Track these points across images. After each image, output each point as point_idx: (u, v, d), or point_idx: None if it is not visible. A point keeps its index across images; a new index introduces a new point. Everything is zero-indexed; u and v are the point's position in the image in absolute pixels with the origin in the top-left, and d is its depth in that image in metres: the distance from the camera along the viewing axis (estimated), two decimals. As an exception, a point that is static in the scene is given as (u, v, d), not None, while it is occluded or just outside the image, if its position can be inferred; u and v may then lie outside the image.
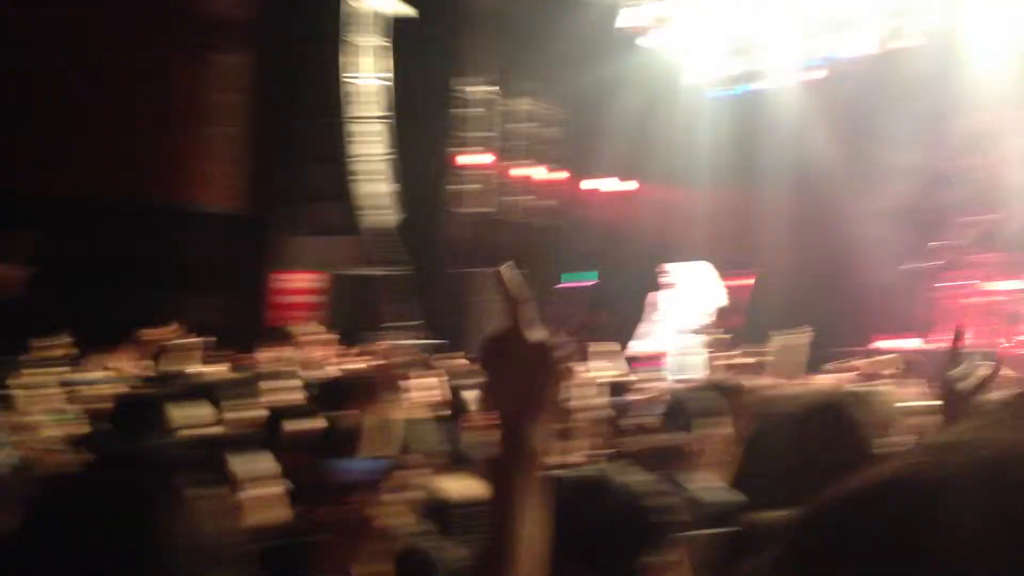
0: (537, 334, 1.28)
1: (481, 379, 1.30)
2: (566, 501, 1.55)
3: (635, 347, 9.22)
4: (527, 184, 13.10)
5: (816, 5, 11.27)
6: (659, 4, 11.92)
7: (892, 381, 4.60)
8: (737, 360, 5.72)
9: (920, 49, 11.04)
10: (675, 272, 9.31)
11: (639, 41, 12.41)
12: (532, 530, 1.22)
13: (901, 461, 0.64)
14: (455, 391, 4.57)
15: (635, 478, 1.85)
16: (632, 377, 6.04)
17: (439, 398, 5.01)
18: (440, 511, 2.59)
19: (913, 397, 4.02)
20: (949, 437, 0.66)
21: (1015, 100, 10.55)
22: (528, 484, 1.22)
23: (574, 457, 3.05)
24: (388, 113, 11.11)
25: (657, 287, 9.49)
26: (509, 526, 1.21)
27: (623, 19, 12.03)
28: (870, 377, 4.66)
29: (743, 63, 12.32)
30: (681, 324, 9.07)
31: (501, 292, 1.30)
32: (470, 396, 4.39)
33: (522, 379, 1.25)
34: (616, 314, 11.45)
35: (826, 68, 11.80)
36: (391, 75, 11.12)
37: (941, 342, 9.37)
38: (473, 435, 3.90)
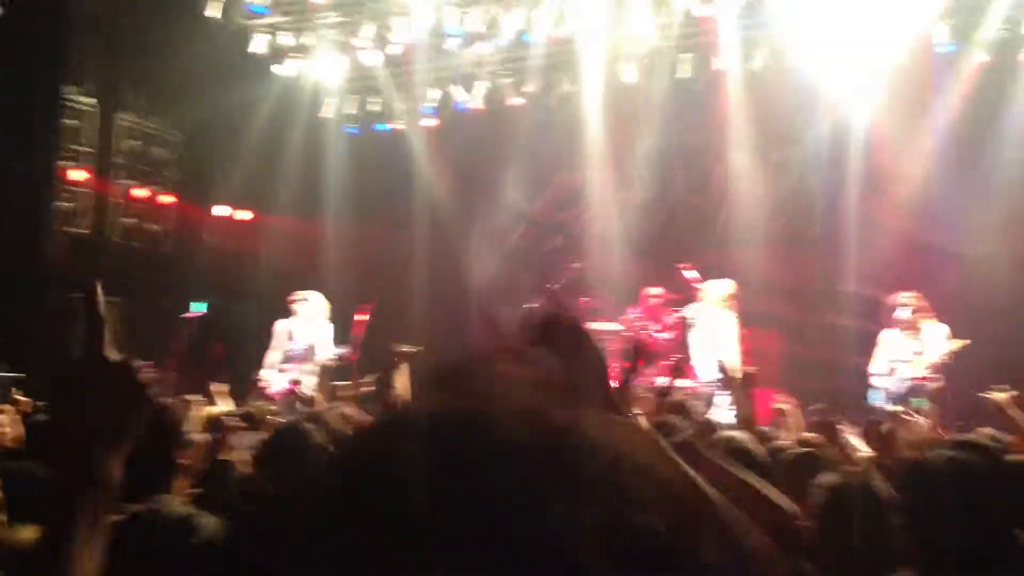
0: (117, 357, 1.16)
1: (53, 407, 1.15)
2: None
3: (264, 378, 8.84)
4: (135, 206, 12.12)
5: (435, 57, 11.78)
6: (296, 35, 11.72)
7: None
8: (347, 391, 5.70)
9: (524, 108, 11.99)
10: (302, 301, 9.11)
11: (275, 68, 12.08)
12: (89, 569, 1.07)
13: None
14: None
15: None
16: (238, 410, 5.77)
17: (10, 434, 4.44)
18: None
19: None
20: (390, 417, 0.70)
21: (606, 159, 11.85)
22: (96, 521, 1.08)
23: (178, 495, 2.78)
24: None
25: (285, 316, 9.21)
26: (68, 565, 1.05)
27: (256, 44, 11.63)
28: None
29: (377, 102, 12.52)
30: (306, 354, 8.91)
31: (90, 313, 1.18)
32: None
33: (100, 406, 1.12)
34: (234, 345, 10.95)
35: (440, 117, 12.35)
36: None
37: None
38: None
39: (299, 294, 9.15)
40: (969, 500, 2.09)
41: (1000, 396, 4.60)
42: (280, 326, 9.08)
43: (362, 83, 12.45)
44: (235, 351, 10.63)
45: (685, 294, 9.99)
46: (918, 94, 10.34)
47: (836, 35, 10.18)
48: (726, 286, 9.12)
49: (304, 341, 8.95)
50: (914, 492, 2.24)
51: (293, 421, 3.82)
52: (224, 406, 5.96)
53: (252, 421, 5.07)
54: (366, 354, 8.87)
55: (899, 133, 10.45)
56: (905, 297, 8.62)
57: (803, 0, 9.96)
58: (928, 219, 10.54)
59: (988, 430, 4.26)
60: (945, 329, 8.44)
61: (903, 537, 2.14)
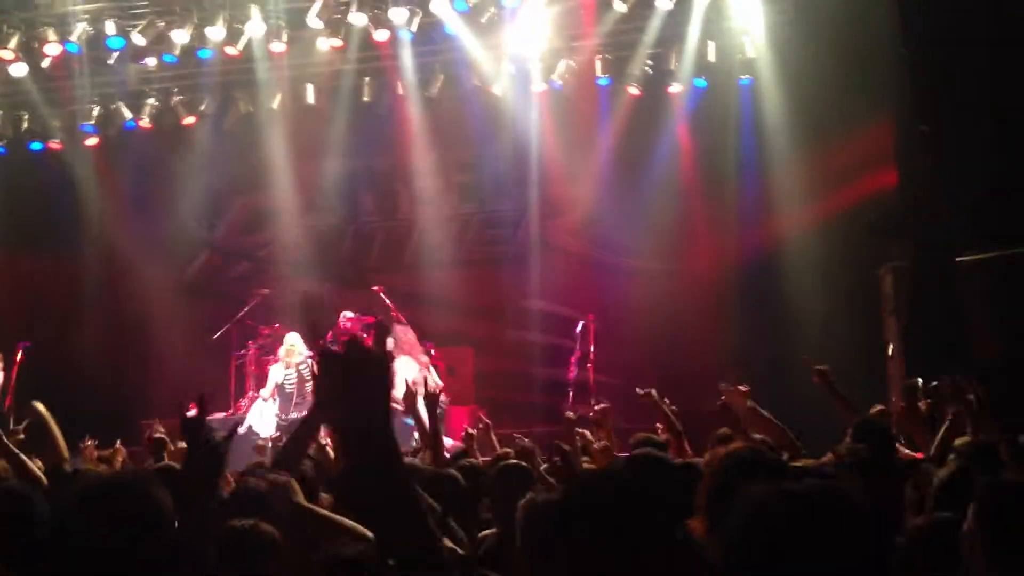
0: None
1: None
2: None
3: None
4: None
5: (96, 71, 10.79)
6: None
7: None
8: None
9: (200, 128, 11.33)
10: None
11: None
12: None
13: None
14: None
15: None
16: None
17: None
18: None
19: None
20: None
21: (291, 182, 11.53)
22: None
23: None
24: None
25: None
26: None
27: None
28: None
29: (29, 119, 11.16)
30: None
31: None
32: None
33: None
34: None
35: (104, 136, 11.32)
36: None
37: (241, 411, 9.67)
38: None
39: None
40: (630, 504, 2.18)
41: (652, 394, 5.34)
42: None
43: (11, 98, 11.13)
44: None
45: (380, 316, 9.96)
46: (584, 123, 11.07)
47: (507, 63, 10.63)
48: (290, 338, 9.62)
49: None
50: (583, 504, 2.31)
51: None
52: None
53: None
54: (21, 399, 7.96)
55: (569, 159, 11.13)
56: None
57: (473, 28, 10.27)
58: (599, 239, 11.32)
59: (641, 434, 4.86)
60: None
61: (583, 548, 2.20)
